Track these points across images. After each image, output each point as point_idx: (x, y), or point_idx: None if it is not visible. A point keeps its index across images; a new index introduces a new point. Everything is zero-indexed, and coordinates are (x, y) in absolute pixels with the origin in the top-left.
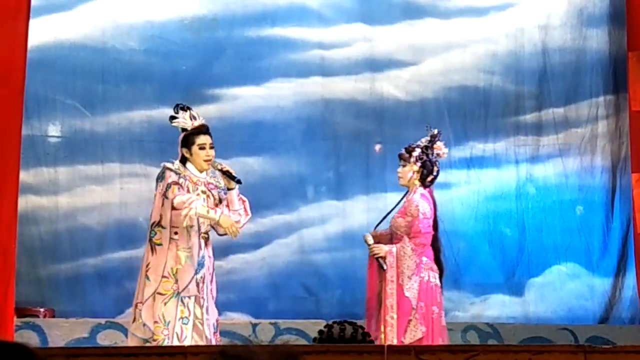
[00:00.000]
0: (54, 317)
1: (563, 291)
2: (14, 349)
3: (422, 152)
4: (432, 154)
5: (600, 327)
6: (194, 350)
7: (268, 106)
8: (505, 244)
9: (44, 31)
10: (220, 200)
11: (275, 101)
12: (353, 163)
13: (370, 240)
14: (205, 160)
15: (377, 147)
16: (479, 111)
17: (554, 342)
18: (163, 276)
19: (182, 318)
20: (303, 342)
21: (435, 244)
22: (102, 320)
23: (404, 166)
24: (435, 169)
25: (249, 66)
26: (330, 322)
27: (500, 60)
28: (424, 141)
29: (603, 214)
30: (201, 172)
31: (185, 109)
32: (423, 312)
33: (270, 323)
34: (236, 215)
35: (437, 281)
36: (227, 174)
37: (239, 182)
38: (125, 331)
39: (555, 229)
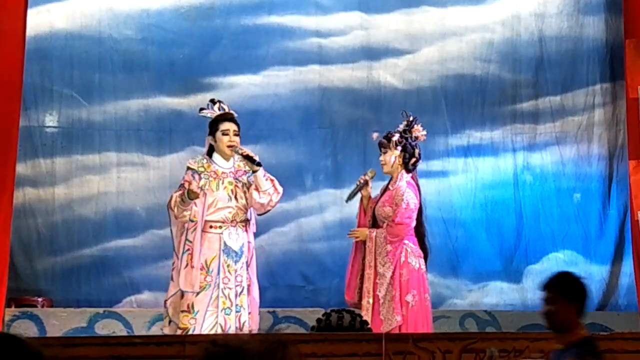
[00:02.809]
0: (52, 306)
1: None
2: (4, 339)
3: (401, 136)
4: (411, 138)
5: (598, 314)
6: (193, 339)
7: (265, 94)
8: (503, 231)
9: (40, 21)
10: (250, 185)
11: (272, 89)
12: (350, 151)
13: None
14: (228, 146)
15: (374, 135)
16: (475, 99)
17: None
18: (195, 267)
19: (224, 309)
20: (301, 330)
21: (419, 229)
22: (100, 310)
23: (384, 153)
24: (417, 151)
25: (245, 54)
26: (328, 311)
27: (497, 49)
28: (401, 126)
29: (600, 201)
30: (227, 160)
31: (215, 102)
32: (416, 300)
33: (269, 311)
34: (266, 195)
35: (425, 267)
36: (247, 158)
37: (259, 164)
38: (122, 319)
39: (553, 216)
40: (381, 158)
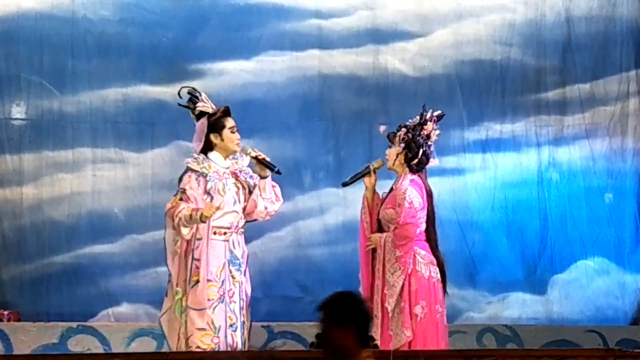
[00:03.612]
0: (19, 320)
1: (590, 289)
2: None
3: (408, 132)
4: (419, 135)
5: (632, 329)
6: (176, 356)
7: (259, 82)
8: (526, 236)
9: (6, 0)
10: (250, 189)
11: (266, 77)
12: (354, 146)
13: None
14: (237, 144)
15: (382, 128)
16: (495, 88)
17: (580, 345)
18: (208, 280)
19: (231, 325)
20: (299, 347)
21: (430, 236)
22: (74, 324)
23: (390, 147)
24: (421, 151)
25: (236, 38)
26: None
27: (519, 31)
28: (413, 121)
29: (635, 202)
30: (226, 158)
31: (197, 92)
32: (425, 312)
33: (263, 326)
34: (268, 202)
35: (439, 276)
36: (263, 163)
37: (278, 172)
38: (98, 335)
39: (582, 219)
40: (387, 151)
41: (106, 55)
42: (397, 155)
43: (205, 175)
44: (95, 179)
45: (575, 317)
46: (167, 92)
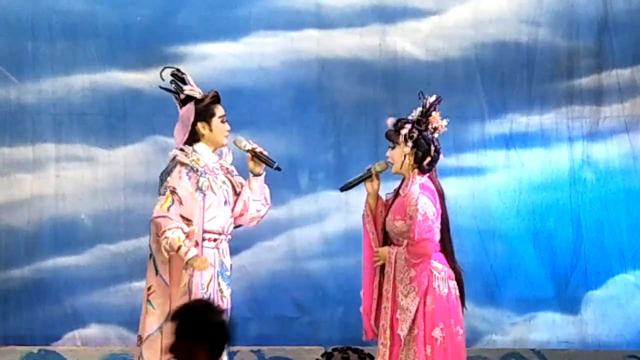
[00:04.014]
0: None
1: (630, 307)
2: None
3: (413, 127)
4: (426, 129)
5: None
6: None
7: (248, 68)
8: (556, 246)
9: None
10: (235, 189)
11: (256, 61)
12: (358, 142)
13: None
14: (225, 136)
15: (389, 121)
16: (520, 74)
17: None
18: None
19: None
20: None
21: (445, 244)
22: (34, 349)
23: (392, 148)
24: (434, 147)
25: (222, 16)
26: (329, 349)
27: (548, 8)
28: (415, 113)
29: None
30: (213, 151)
31: (182, 74)
32: (443, 335)
33: (252, 351)
34: (259, 204)
35: (457, 292)
36: (261, 158)
37: (278, 169)
38: None
39: (620, 226)
40: (388, 154)
41: (72, 36)
42: (405, 156)
43: (196, 170)
44: (59, 179)
45: (613, 341)
46: (142, 79)
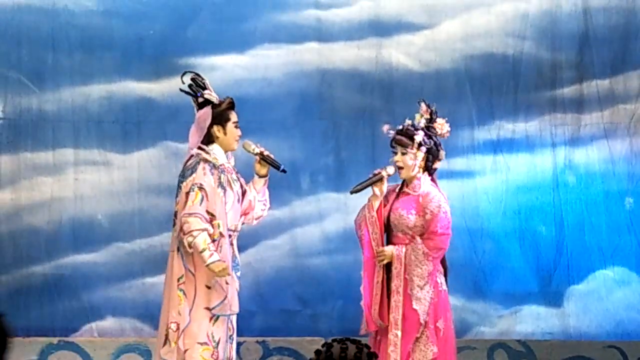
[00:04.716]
0: None
1: (610, 301)
2: None
3: (426, 134)
4: (435, 134)
5: None
6: None
7: (253, 78)
8: (540, 244)
9: None
10: (244, 189)
11: (261, 72)
12: (356, 147)
13: None
14: (236, 140)
15: (385, 127)
16: (507, 84)
17: None
18: (207, 286)
19: (229, 337)
20: None
21: None
22: (54, 340)
23: (404, 154)
24: (442, 152)
25: (229, 30)
26: (329, 340)
27: (533, 22)
28: (422, 120)
29: None
30: (225, 154)
31: (201, 79)
32: (445, 325)
33: (257, 342)
34: (262, 204)
35: (445, 285)
36: (268, 161)
37: (284, 171)
38: (80, 351)
39: (600, 226)
40: (397, 159)
41: (89, 49)
42: (421, 161)
43: (216, 167)
44: (77, 182)
45: (594, 332)
46: (155, 88)
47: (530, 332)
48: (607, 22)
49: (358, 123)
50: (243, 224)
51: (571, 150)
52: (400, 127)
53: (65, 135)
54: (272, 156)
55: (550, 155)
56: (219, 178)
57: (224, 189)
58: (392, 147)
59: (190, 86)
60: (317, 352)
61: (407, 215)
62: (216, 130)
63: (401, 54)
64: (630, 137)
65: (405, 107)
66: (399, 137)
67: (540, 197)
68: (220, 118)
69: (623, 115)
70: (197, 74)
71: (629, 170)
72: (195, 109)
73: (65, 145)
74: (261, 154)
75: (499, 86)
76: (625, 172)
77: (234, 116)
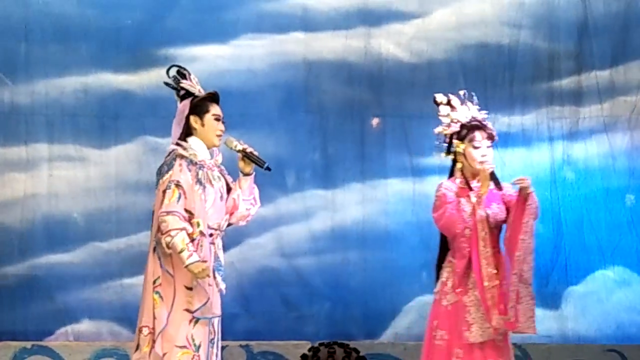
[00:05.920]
0: None
1: (610, 303)
2: None
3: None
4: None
5: None
6: None
7: (236, 70)
8: (537, 243)
9: None
10: (229, 186)
11: (245, 63)
12: (344, 142)
13: None
14: (217, 135)
15: (375, 121)
16: (502, 75)
17: None
18: (187, 288)
19: (211, 340)
20: None
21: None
22: (28, 344)
23: (488, 147)
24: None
25: (211, 19)
26: (316, 344)
27: (529, 11)
28: (477, 112)
29: None
30: (207, 148)
31: (184, 71)
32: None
33: (241, 345)
34: (248, 204)
35: None
36: (251, 158)
37: (268, 169)
38: (55, 356)
39: (600, 224)
40: (487, 152)
41: (64, 39)
42: None
43: (194, 163)
44: (51, 179)
45: (593, 335)
46: (133, 81)
47: (527, 335)
48: (607, 10)
49: (346, 117)
50: (230, 224)
51: (569, 144)
52: (480, 120)
53: (38, 130)
54: (255, 153)
55: (547, 149)
56: (197, 174)
57: (203, 185)
58: (485, 140)
59: (174, 78)
60: (304, 356)
61: (500, 212)
62: (193, 121)
63: (391, 44)
64: (631, 130)
65: (396, 100)
66: (492, 131)
67: (537, 193)
68: (198, 109)
69: (623, 107)
70: (183, 68)
71: (629, 166)
72: (178, 103)
73: (38, 140)
74: (244, 151)
75: (494, 78)
76: (626, 167)
77: (214, 108)
